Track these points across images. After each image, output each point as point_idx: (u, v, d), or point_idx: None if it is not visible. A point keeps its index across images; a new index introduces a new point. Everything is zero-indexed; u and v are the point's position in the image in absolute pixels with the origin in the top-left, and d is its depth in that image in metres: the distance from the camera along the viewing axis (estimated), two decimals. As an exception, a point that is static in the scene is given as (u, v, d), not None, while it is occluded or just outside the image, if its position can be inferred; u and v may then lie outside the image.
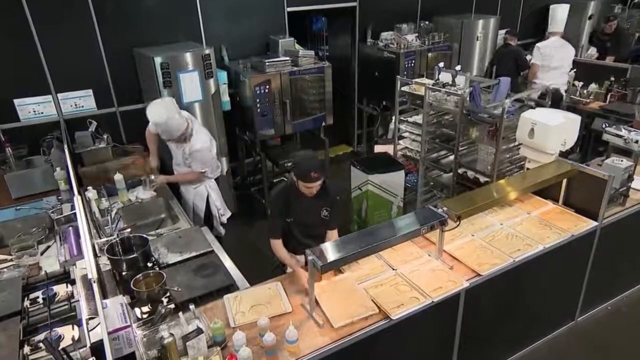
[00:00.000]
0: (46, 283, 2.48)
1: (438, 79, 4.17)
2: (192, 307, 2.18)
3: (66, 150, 3.46)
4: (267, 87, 4.61)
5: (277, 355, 2.06)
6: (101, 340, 1.70)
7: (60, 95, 4.24)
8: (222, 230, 3.84)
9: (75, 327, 2.16)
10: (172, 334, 1.96)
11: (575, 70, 5.59)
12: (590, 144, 5.12)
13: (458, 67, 4.23)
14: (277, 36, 5.06)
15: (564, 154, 3.37)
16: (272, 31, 5.17)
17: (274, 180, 5.40)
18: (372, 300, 2.37)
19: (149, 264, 2.62)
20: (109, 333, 1.78)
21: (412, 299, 2.37)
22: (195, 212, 3.66)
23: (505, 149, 3.81)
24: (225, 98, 4.72)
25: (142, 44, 4.38)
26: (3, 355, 1.99)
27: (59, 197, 3.39)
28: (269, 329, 2.09)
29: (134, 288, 2.32)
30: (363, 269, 2.64)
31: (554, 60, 5.53)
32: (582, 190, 3.11)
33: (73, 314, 2.27)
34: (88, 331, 1.91)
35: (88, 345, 1.88)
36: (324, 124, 5.16)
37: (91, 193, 3.31)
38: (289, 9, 5.25)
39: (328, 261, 2.16)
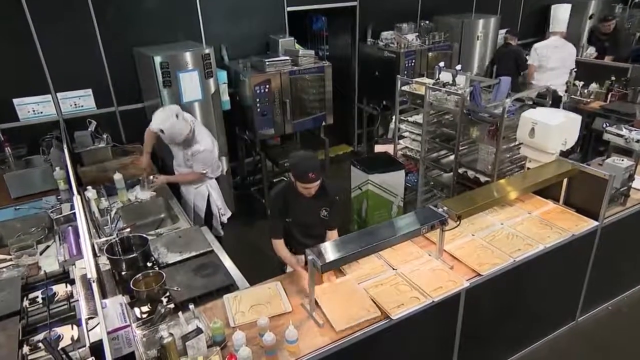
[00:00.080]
0: (45, 283, 2.48)
1: (438, 78, 4.17)
2: (191, 306, 2.17)
3: (65, 150, 3.46)
4: (267, 86, 4.61)
5: (276, 355, 2.06)
6: (100, 340, 1.69)
7: (59, 95, 4.23)
8: (222, 231, 3.83)
9: (75, 326, 2.16)
10: (171, 334, 1.95)
11: (575, 70, 5.57)
12: (590, 144, 5.11)
13: (458, 67, 4.23)
14: (277, 36, 5.05)
15: (564, 154, 3.37)
16: (272, 31, 5.16)
17: (274, 180, 5.39)
18: (373, 301, 2.37)
19: (149, 264, 2.61)
20: (109, 333, 1.77)
21: (412, 299, 2.37)
22: (195, 212, 3.66)
23: (505, 149, 3.81)
24: (225, 97, 4.71)
25: (141, 44, 4.37)
26: (2, 355, 1.98)
27: (59, 197, 3.38)
28: (268, 329, 2.08)
29: (134, 288, 2.31)
30: (363, 269, 2.63)
31: (550, 61, 5.50)
32: (583, 190, 3.10)
33: (72, 313, 2.26)
34: (87, 331, 1.91)
35: (87, 345, 1.87)
36: (324, 123, 5.16)
37: (90, 193, 3.30)
38: (289, 9, 5.24)
39: (328, 261, 2.16)
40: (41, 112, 4.19)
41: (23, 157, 3.83)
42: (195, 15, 4.69)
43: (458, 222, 2.59)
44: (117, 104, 4.53)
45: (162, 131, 3.22)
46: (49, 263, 2.74)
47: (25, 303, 2.35)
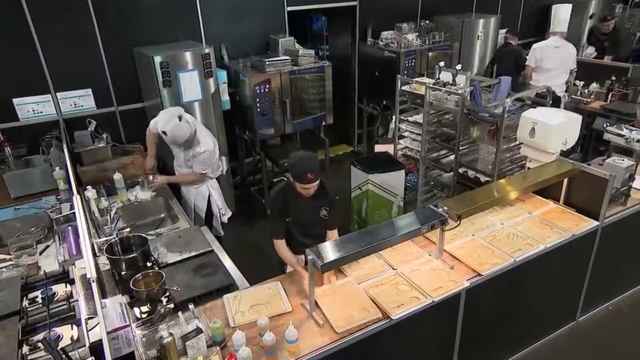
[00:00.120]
0: (45, 283, 2.48)
1: (438, 78, 4.16)
2: (191, 306, 2.17)
3: (65, 150, 3.45)
4: (267, 86, 4.60)
5: (276, 355, 2.06)
6: (100, 340, 1.69)
7: (59, 95, 4.23)
8: (221, 231, 3.83)
9: (74, 326, 2.16)
10: (171, 334, 1.95)
11: (576, 70, 5.55)
12: (591, 144, 5.11)
13: (459, 67, 4.22)
14: (277, 35, 5.05)
15: (564, 154, 3.36)
16: (272, 30, 5.16)
17: (274, 180, 5.39)
18: (373, 301, 2.36)
19: (148, 264, 2.61)
20: (108, 333, 1.77)
21: (412, 299, 2.36)
22: (196, 213, 3.65)
23: (506, 149, 3.81)
24: (225, 97, 4.71)
25: (141, 43, 4.36)
26: (2, 355, 1.98)
27: (58, 197, 3.38)
28: (268, 329, 2.08)
29: (133, 288, 2.31)
30: (363, 269, 2.63)
31: (547, 61, 5.46)
32: (583, 190, 3.10)
33: (72, 313, 2.26)
34: (87, 331, 1.90)
35: (87, 345, 1.86)
36: (324, 123, 5.15)
37: (90, 192, 3.30)
38: (289, 8, 5.24)
39: (328, 261, 2.15)
40: (41, 112, 4.19)
41: (23, 157, 3.83)
42: (195, 15, 4.69)
43: (458, 222, 2.58)
44: (117, 103, 4.53)
45: (164, 133, 3.22)
46: (49, 263, 2.74)
47: (25, 303, 2.35)
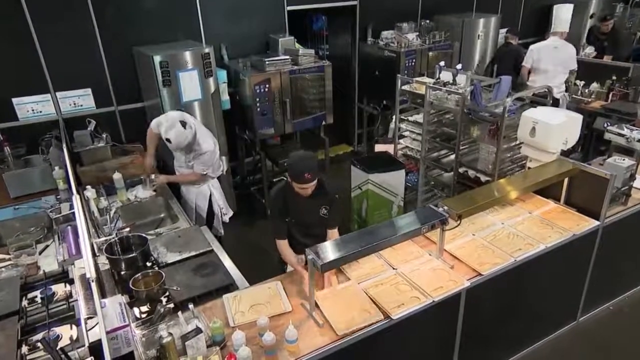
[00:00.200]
0: (44, 282, 2.47)
1: (439, 77, 4.16)
2: (191, 306, 2.17)
3: (65, 150, 3.45)
4: (267, 86, 4.60)
5: (276, 354, 2.05)
6: (99, 340, 1.69)
7: (59, 94, 4.22)
8: (222, 231, 3.82)
9: (74, 326, 2.15)
10: (171, 334, 1.94)
11: (576, 70, 5.52)
12: (591, 143, 5.11)
13: (459, 66, 4.22)
14: (277, 35, 5.04)
15: (565, 153, 3.36)
16: (272, 30, 5.15)
17: (274, 180, 5.38)
18: (373, 301, 2.35)
19: (148, 264, 2.60)
20: (108, 332, 1.76)
21: (412, 299, 2.36)
22: (197, 213, 3.65)
23: (506, 148, 3.80)
24: (225, 97, 4.70)
25: (141, 43, 4.36)
26: (1, 355, 1.97)
27: (58, 197, 3.38)
28: (268, 329, 2.07)
29: (133, 287, 2.30)
30: (363, 269, 2.62)
31: (544, 62, 5.42)
32: (584, 190, 3.09)
33: (71, 313, 2.26)
34: (86, 331, 1.90)
35: (86, 344, 1.87)
36: (324, 123, 5.14)
37: (90, 192, 3.30)
38: (289, 8, 5.23)
39: (328, 260, 2.15)
40: (40, 112, 4.19)
41: (22, 156, 3.82)
42: (195, 15, 4.68)
43: (458, 222, 2.58)
44: (116, 103, 4.52)
45: (169, 141, 3.22)
46: (48, 263, 2.73)
47: (24, 303, 2.34)
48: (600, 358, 3.21)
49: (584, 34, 7.24)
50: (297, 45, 5.02)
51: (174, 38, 4.57)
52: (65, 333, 2.11)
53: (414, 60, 5.62)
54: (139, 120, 4.46)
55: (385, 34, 5.84)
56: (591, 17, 7.32)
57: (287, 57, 4.72)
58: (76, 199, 2.55)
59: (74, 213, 2.78)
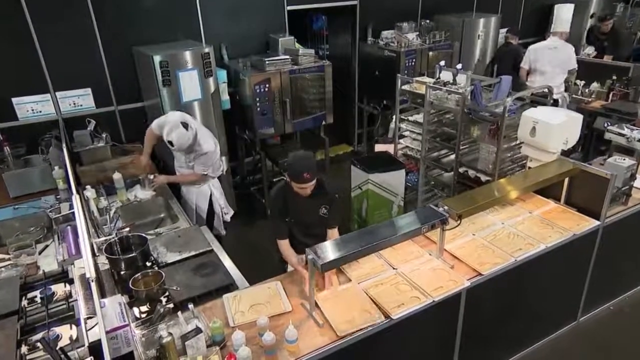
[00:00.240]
0: (44, 282, 2.47)
1: (439, 77, 4.15)
2: (191, 306, 2.16)
3: (64, 149, 3.45)
4: (267, 85, 4.59)
5: (276, 354, 2.05)
6: (99, 340, 1.68)
7: (58, 94, 4.22)
8: (223, 230, 3.82)
9: (73, 326, 2.15)
10: (170, 334, 1.94)
11: (577, 69, 5.51)
12: (592, 143, 5.10)
13: (459, 66, 4.21)
14: (277, 35, 5.04)
15: (565, 153, 3.35)
16: (272, 30, 5.15)
17: (274, 180, 5.38)
18: (373, 301, 2.35)
19: (148, 263, 2.60)
20: (107, 332, 1.76)
21: (412, 299, 2.35)
22: (197, 213, 3.64)
23: (506, 148, 3.80)
24: (225, 97, 4.70)
25: (141, 43, 4.36)
26: (0, 355, 1.97)
27: (58, 196, 3.37)
28: (268, 329, 2.07)
29: (133, 287, 2.30)
30: (363, 268, 2.62)
31: (541, 63, 5.40)
32: (584, 190, 3.09)
33: (71, 313, 2.25)
34: (86, 330, 1.90)
35: (86, 344, 1.86)
36: (324, 123, 5.14)
37: (90, 192, 3.30)
38: (289, 8, 5.23)
39: (328, 260, 2.14)
40: (40, 112, 4.18)
41: (22, 156, 3.82)
42: (194, 14, 4.68)
43: (459, 222, 2.57)
44: (116, 103, 4.52)
45: (171, 144, 3.22)
46: (48, 262, 2.73)
47: (24, 303, 2.34)
48: (600, 358, 3.21)
49: (584, 34, 7.23)
50: (297, 45, 5.02)
51: (173, 38, 4.56)
52: (65, 333, 2.11)
53: (414, 60, 5.62)
54: (139, 120, 4.45)
55: (386, 33, 5.84)
56: (591, 17, 7.32)
57: (287, 57, 4.72)
58: (76, 199, 2.54)
59: (73, 213, 2.78)
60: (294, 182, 2.48)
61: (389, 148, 4.71)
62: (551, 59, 5.37)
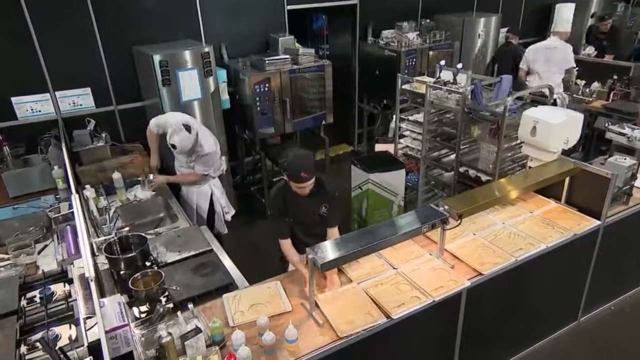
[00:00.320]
0: (43, 282, 2.46)
1: (439, 77, 4.15)
2: (190, 306, 2.16)
3: (64, 149, 3.44)
4: (267, 85, 4.59)
5: (276, 354, 2.04)
6: (99, 340, 1.68)
7: (58, 94, 4.21)
8: (225, 229, 3.81)
9: (73, 326, 2.14)
10: (170, 333, 1.93)
11: (577, 69, 5.50)
12: (592, 143, 5.09)
13: (459, 65, 4.21)
14: (277, 34, 5.03)
15: (566, 153, 3.34)
16: (272, 29, 5.14)
17: (274, 179, 5.37)
18: (373, 301, 2.34)
19: (148, 263, 2.60)
20: (107, 332, 1.76)
21: (413, 299, 2.35)
22: (198, 213, 3.63)
23: (507, 148, 3.79)
24: (225, 96, 4.69)
25: (141, 42, 4.35)
26: (-1, 355, 1.97)
27: (57, 196, 3.37)
28: (268, 328, 2.06)
29: (132, 287, 2.29)
30: (363, 268, 2.61)
31: (537, 64, 5.38)
32: (585, 189, 3.08)
33: (70, 313, 2.25)
34: (85, 330, 1.89)
35: (85, 344, 1.86)
36: (324, 122, 5.13)
37: (89, 192, 3.29)
38: (289, 7, 5.22)
39: (328, 260, 2.14)
40: (39, 111, 4.18)
41: (21, 156, 3.81)
42: (194, 14, 4.67)
43: (459, 221, 2.57)
44: (116, 102, 4.51)
45: (173, 147, 3.22)
46: (47, 262, 2.73)
47: (23, 302, 2.33)
48: (601, 358, 3.20)
49: (584, 33, 7.23)
50: (297, 45, 5.01)
51: (173, 37, 4.56)
52: (64, 333, 2.10)
53: (414, 60, 5.62)
54: (139, 119, 4.44)
55: (386, 33, 5.83)
56: (592, 16, 7.31)
57: (287, 56, 4.71)
58: (75, 199, 2.54)
59: (73, 213, 2.77)
60: (292, 181, 2.48)
61: (389, 148, 4.70)
62: (547, 60, 5.35)
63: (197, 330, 1.97)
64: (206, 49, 4.16)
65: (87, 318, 1.94)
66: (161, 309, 2.19)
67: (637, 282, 3.73)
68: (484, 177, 3.91)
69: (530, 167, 3.46)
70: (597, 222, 2.99)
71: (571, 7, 5.38)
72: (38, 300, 2.35)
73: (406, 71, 5.49)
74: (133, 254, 2.53)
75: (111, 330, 1.79)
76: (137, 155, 4.03)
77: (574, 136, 3.34)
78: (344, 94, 6.26)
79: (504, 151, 3.75)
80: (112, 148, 4.07)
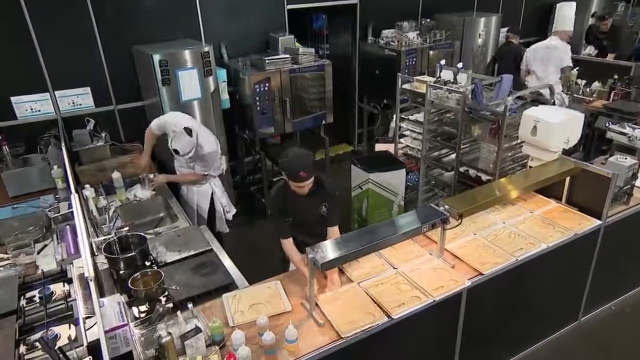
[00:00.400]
0: (43, 282, 2.46)
1: (439, 76, 4.14)
2: (190, 306, 2.15)
3: (63, 149, 3.43)
4: (267, 85, 4.58)
5: (276, 354, 2.04)
6: (98, 340, 1.67)
7: (57, 93, 4.21)
8: (227, 228, 3.80)
9: (72, 326, 2.14)
10: (170, 333, 1.93)
11: (571, 67, 5.47)
12: (593, 143, 5.08)
13: (460, 65, 4.20)
14: (277, 34, 5.03)
15: (567, 152, 3.34)
16: (272, 29, 5.14)
17: (274, 179, 5.37)
18: (373, 301, 2.33)
19: (147, 263, 2.59)
20: (106, 332, 1.75)
21: (413, 298, 2.34)
22: (198, 213, 3.63)
23: (507, 147, 3.78)
24: (225, 96, 4.69)
25: (140, 42, 4.35)
26: (-1, 355, 1.96)
27: (56, 196, 3.36)
28: (268, 328, 2.06)
29: (132, 287, 2.29)
30: (363, 268, 2.61)
31: (535, 64, 5.36)
32: (586, 189, 3.08)
33: (70, 313, 2.24)
34: (85, 330, 1.89)
35: (85, 344, 1.85)
36: (324, 122, 5.13)
37: (89, 191, 3.29)
38: (289, 7, 5.22)
39: (328, 259, 2.13)
40: (39, 111, 4.17)
41: (21, 155, 3.81)
42: (194, 14, 4.67)
43: (459, 221, 2.56)
44: (115, 102, 4.51)
45: (176, 152, 3.22)
46: (47, 262, 2.72)
47: (22, 302, 2.33)
48: (602, 358, 3.20)
49: (584, 33, 7.22)
50: (297, 44, 5.00)
51: (173, 37, 4.55)
52: (64, 332, 2.10)
53: (414, 59, 5.61)
54: (138, 119, 4.44)
55: (386, 32, 5.83)
56: (592, 16, 7.31)
57: (287, 56, 4.71)
58: (75, 198, 2.53)
59: (72, 212, 2.77)
60: (291, 180, 2.47)
61: (389, 147, 4.70)
62: (544, 60, 5.33)
63: (197, 330, 1.97)
64: (206, 49, 4.16)
65: (87, 318, 1.94)
66: (161, 309, 2.18)
67: (637, 282, 3.72)
68: (484, 177, 3.91)
69: (530, 167, 3.45)
70: (598, 222, 2.98)
71: (572, 5, 5.36)
72: (37, 300, 2.34)
73: (406, 71, 5.49)
74: (132, 254, 2.52)
75: (110, 330, 1.79)
76: (136, 155, 4.02)
77: (574, 136, 3.33)
78: (344, 94, 6.26)
79: (504, 151, 3.74)
80: (111, 148, 4.07)
